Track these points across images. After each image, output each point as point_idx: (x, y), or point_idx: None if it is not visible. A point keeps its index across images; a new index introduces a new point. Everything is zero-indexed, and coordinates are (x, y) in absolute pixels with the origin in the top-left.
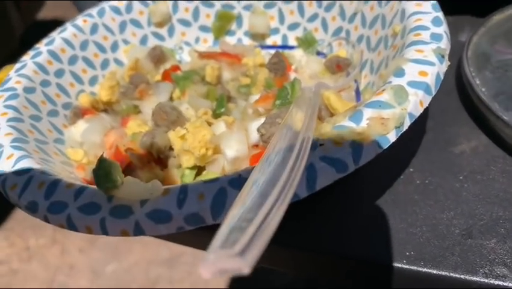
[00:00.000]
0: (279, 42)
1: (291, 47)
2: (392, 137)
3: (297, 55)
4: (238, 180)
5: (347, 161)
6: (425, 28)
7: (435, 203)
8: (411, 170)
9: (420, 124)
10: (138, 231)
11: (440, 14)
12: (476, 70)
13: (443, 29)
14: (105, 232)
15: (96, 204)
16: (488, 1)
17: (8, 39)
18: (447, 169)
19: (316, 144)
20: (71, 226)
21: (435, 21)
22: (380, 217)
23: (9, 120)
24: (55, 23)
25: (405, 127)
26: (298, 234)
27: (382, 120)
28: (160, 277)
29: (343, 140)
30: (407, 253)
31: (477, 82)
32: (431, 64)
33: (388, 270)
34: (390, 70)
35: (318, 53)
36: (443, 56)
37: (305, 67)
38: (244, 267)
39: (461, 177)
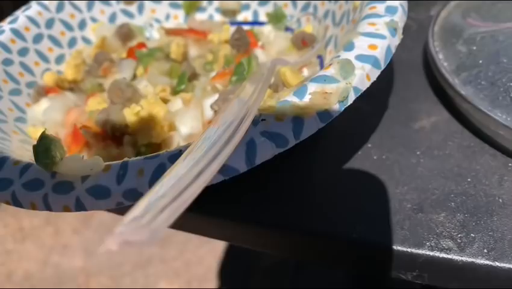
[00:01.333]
0: (250, 18)
1: (262, 23)
2: (335, 112)
3: (266, 31)
4: (178, 156)
5: (287, 136)
6: (381, 1)
7: (390, 179)
8: (369, 145)
9: (381, 100)
10: (79, 207)
11: None
12: (443, 45)
13: (398, 2)
14: (48, 208)
15: (39, 180)
16: None
17: None
18: (405, 145)
19: (258, 120)
20: (16, 203)
21: None
22: (335, 191)
23: None
24: None
25: (350, 101)
26: (252, 208)
27: (325, 94)
28: (153, 256)
29: (284, 115)
30: (356, 228)
31: (441, 57)
32: (382, 37)
33: (340, 242)
34: (341, 44)
35: (287, 29)
36: (395, 30)
37: (272, 43)
38: (149, 238)
39: (418, 153)
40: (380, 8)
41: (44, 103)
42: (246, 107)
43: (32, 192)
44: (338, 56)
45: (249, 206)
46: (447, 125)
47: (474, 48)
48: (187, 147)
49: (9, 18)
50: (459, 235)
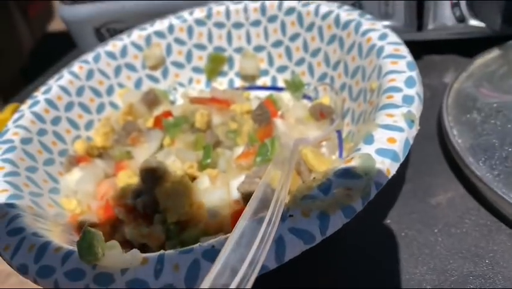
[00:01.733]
0: (268, 83)
1: (280, 89)
2: (358, 207)
3: (285, 98)
4: (211, 252)
5: (314, 233)
6: (398, 90)
7: (410, 257)
8: (388, 221)
9: (399, 174)
10: None
11: (414, 73)
12: (457, 115)
13: (415, 91)
14: None
15: (81, 270)
16: (471, 42)
17: (17, 54)
18: (423, 222)
19: (286, 215)
20: None
21: (409, 82)
22: (353, 270)
23: (6, 174)
24: (64, 37)
25: (371, 196)
26: None
27: (349, 191)
28: None
29: (310, 211)
30: None
31: (455, 132)
32: (400, 130)
33: None
34: (361, 135)
35: (305, 96)
36: (412, 121)
37: (291, 112)
38: None
39: (436, 230)
40: (397, 97)
41: (76, 173)
42: (275, 199)
43: (74, 282)
44: (359, 149)
45: None
46: (463, 201)
47: (488, 126)
48: (218, 242)
49: (43, 88)
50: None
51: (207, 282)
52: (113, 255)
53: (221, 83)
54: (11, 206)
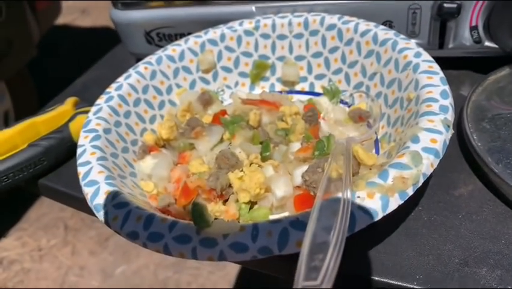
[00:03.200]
0: (306, 88)
1: (318, 94)
2: (410, 192)
3: (323, 102)
4: (296, 222)
5: (377, 211)
6: (435, 100)
7: (439, 237)
8: (420, 208)
9: None
10: (222, 258)
11: (447, 88)
12: (474, 123)
13: (449, 102)
14: (195, 257)
15: (187, 235)
16: (485, 60)
17: (26, 46)
18: (448, 209)
19: (354, 196)
20: (167, 252)
21: (443, 94)
22: (395, 246)
23: (98, 159)
24: (69, 29)
25: (420, 183)
26: None
27: (403, 178)
28: (168, 280)
29: (374, 194)
30: (417, 277)
31: (475, 137)
32: (440, 132)
33: None
34: (408, 136)
35: (341, 102)
36: (448, 126)
37: (331, 115)
38: None
39: (459, 216)
40: (435, 106)
41: (148, 160)
42: (344, 183)
43: (182, 245)
44: (408, 147)
45: None
46: (481, 194)
47: (503, 132)
48: (303, 215)
49: (114, 85)
50: (499, 287)
51: (306, 242)
52: (217, 222)
53: (263, 87)
54: (110, 184)
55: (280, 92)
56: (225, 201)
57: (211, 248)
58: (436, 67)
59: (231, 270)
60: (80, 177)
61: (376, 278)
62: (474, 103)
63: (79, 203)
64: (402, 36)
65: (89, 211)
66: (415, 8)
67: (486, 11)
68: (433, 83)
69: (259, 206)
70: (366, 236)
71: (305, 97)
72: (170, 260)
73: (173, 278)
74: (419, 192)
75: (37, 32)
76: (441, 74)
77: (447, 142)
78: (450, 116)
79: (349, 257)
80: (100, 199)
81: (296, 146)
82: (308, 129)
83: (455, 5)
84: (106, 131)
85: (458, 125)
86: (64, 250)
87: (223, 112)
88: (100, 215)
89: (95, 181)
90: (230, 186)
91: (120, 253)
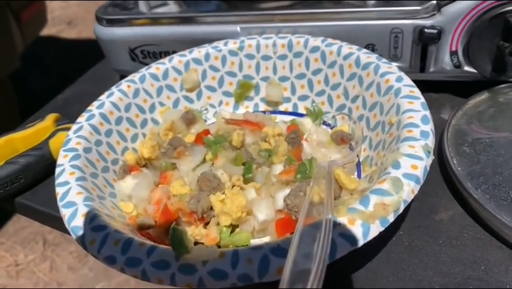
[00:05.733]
0: (290, 109)
1: (301, 115)
2: (391, 218)
3: (306, 123)
4: (277, 249)
5: (358, 237)
6: (416, 126)
7: (420, 262)
8: (401, 232)
9: None
10: (201, 285)
11: (428, 113)
12: (454, 148)
13: (429, 127)
14: (173, 284)
15: (166, 261)
16: (464, 84)
17: (9, 56)
18: (429, 234)
19: (336, 223)
20: (145, 278)
21: (424, 120)
22: (376, 272)
23: (77, 179)
24: (54, 41)
25: (401, 210)
26: None
27: (384, 205)
28: None
29: (355, 220)
30: None
31: (455, 161)
32: (420, 158)
33: None
34: (389, 161)
35: (324, 123)
36: (429, 152)
37: (314, 136)
38: None
39: (440, 241)
40: (416, 132)
41: (129, 180)
42: (326, 209)
43: (161, 271)
44: (389, 173)
45: None
46: (461, 218)
47: (482, 157)
48: (284, 241)
49: (96, 103)
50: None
51: (287, 270)
52: (196, 248)
53: (247, 107)
54: (88, 206)
55: (264, 112)
56: (206, 225)
57: (190, 275)
58: (417, 92)
59: None
60: (58, 197)
61: None
62: (455, 128)
63: (57, 222)
64: (384, 60)
65: (67, 231)
66: (397, 32)
67: (465, 37)
68: (415, 108)
69: (241, 230)
70: (347, 261)
71: (289, 118)
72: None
73: None
74: (400, 217)
75: (21, 43)
76: (422, 99)
77: (428, 168)
78: (430, 142)
79: (329, 283)
80: (78, 221)
81: (278, 168)
82: (290, 151)
83: (435, 31)
84: (87, 150)
85: (439, 149)
86: (42, 266)
87: (206, 132)
88: (78, 238)
89: (73, 202)
90: (211, 209)
91: (101, 268)
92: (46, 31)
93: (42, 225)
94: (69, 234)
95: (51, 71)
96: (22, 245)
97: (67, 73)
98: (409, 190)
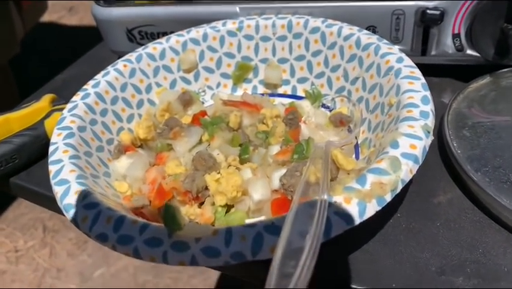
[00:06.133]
0: (289, 92)
1: (300, 98)
2: (388, 198)
3: (305, 106)
4: (271, 227)
5: (354, 216)
6: (416, 106)
7: (417, 245)
8: (398, 215)
9: None
10: (194, 262)
11: (428, 94)
12: (454, 131)
13: (429, 108)
14: (165, 261)
15: (158, 239)
16: (466, 68)
17: (10, 42)
18: (427, 217)
19: (331, 201)
20: (137, 255)
21: (424, 100)
22: (372, 254)
23: (71, 157)
24: (54, 27)
25: (398, 190)
26: None
27: (381, 184)
28: (147, 283)
29: (351, 199)
30: (393, 285)
31: (455, 144)
32: (419, 138)
33: None
34: (387, 140)
35: (323, 106)
36: (428, 132)
37: (312, 118)
38: None
39: (438, 224)
40: (416, 112)
41: (123, 160)
42: (321, 188)
43: (153, 249)
44: (387, 152)
45: None
46: (460, 202)
47: (482, 140)
48: (278, 219)
49: (92, 82)
50: None
51: (280, 248)
52: (189, 226)
53: (245, 89)
54: (81, 184)
55: (263, 94)
56: (201, 204)
57: (183, 253)
58: (418, 73)
59: (212, 274)
60: (51, 175)
61: (352, 286)
62: (455, 111)
63: (51, 202)
64: (385, 41)
65: (61, 211)
66: (398, 14)
67: (468, 19)
68: (415, 88)
69: (236, 210)
70: (343, 242)
71: (287, 100)
72: (150, 263)
73: (153, 282)
74: (398, 199)
75: (21, 29)
76: (423, 80)
77: (427, 148)
78: (430, 122)
79: (325, 264)
80: (70, 199)
81: (275, 148)
82: (288, 132)
83: (438, 12)
84: (81, 129)
85: (439, 132)
86: (42, 252)
87: (203, 113)
88: (70, 215)
89: (66, 180)
90: (206, 188)
91: (99, 255)
92: (46, 17)
93: (42, 211)
94: (62, 213)
95: (51, 58)
96: (22, 232)
97: (67, 60)
98: (407, 170)
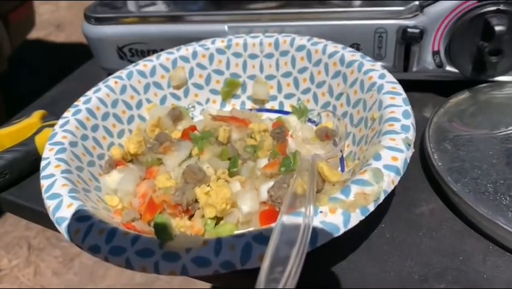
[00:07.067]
0: (276, 107)
1: (287, 113)
2: (371, 207)
3: (292, 120)
4: (260, 237)
5: (339, 226)
6: (397, 120)
7: (401, 254)
8: (383, 225)
9: None
10: (185, 272)
11: (409, 108)
12: (435, 144)
13: (410, 122)
14: (157, 271)
15: (150, 249)
16: (446, 84)
17: None
18: (410, 226)
19: (317, 211)
20: (129, 266)
21: (405, 114)
22: (357, 263)
23: (62, 172)
24: (41, 44)
25: (381, 200)
26: None
27: (365, 194)
28: None
29: (336, 209)
30: None
31: (436, 157)
32: (401, 151)
33: None
34: (370, 153)
35: (309, 120)
36: (409, 145)
37: (299, 132)
38: None
39: (420, 234)
40: (397, 126)
41: (114, 174)
42: (307, 199)
43: (145, 259)
44: (370, 164)
45: None
46: (441, 212)
47: (462, 153)
48: (266, 229)
49: (83, 98)
50: None
51: (268, 255)
52: (180, 236)
53: (234, 105)
54: (73, 198)
55: (251, 110)
56: (191, 217)
57: (174, 263)
58: (399, 88)
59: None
60: (43, 190)
61: None
62: (436, 125)
63: (42, 218)
64: (368, 58)
65: (52, 227)
66: (381, 32)
67: (447, 37)
68: (396, 103)
69: (225, 222)
70: (329, 252)
71: (275, 116)
72: (138, 280)
73: None
74: (382, 210)
75: (8, 46)
76: (404, 95)
77: (408, 160)
78: (411, 135)
79: (311, 273)
80: (63, 212)
81: (263, 162)
82: (275, 145)
83: (417, 30)
84: (73, 144)
85: (420, 145)
86: (26, 271)
87: (193, 128)
88: (62, 228)
89: (58, 194)
90: (196, 201)
91: (86, 273)
92: (34, 34)
93: (27, 229)
94: (54, 228)
95: (39, 74)
96: (6, 250)
97: (54, 76)
98: (389, 180)
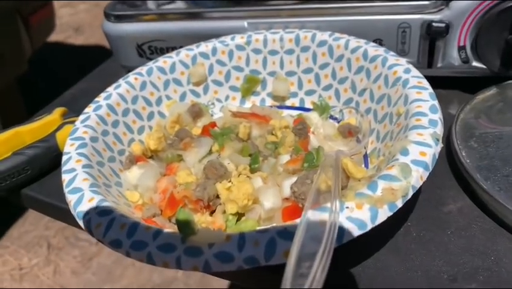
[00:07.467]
0: (296, 104)
1: (308, 110)
2: (399, 203)
3: (313, 117)
4: (284, 232)
5: (366, 222)
6: (424, 115)
7: (428, 253)
8: (409, 224)
9: None
10: (207, 268)
11: (436, 103)
12: (463, 141)
13: (438, 116)
14: (179, 266)
15: (172, 244)
16: (472, 80)
17: (18, 60)
18: (437, 225)
19: (343, 207)
20: (151, 261)
21: (432, 109)
22: (384, 262)
23: (84, 166)
24: (60, 47)
25: (409, 196)
26: None
27: (393, 190)
28: None
29: (363, 205)
30: None
31: (463, 154)
32: (429, 146)
33: None
34: (397, 148)
35: (331, 117)
36: (438, 140)
37: (321, 129)
38: None
39: (448, 232)
40: (424, 120)
41: (135, 170)
42: (333, 194)
43: (166, 254)
44: (397, 159)
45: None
46: (470, 210)
47: (491, 150)
48: (291, 225)
49: (103, 94)
50: None
51: (294, 250)
52: (202, 231)
53: (254, 102)
54: (95, 192)
55: (271, 107)
56: (212, 213)
57: (196, 258)
58: (425, 83)
59: None
60: (64, 184)
61: None
62: (463, 121)
63: (62, 213)
64: (392, 53)
65: (73, 222)
66: (404, 27)
67: (473, 32)
68: (423, 98)
69: (247, 218)
70: (355, 250)
71: (295, 113)
72: (155, 281)
73: None
74: (408, 208)
75: (29, 48)
76: (430, 89)
77: (437, 155)
78: (439, 130)
79: (337, 271)
80: (84, 206)
81: (285, 158)
82: (297, 141)
83: (443, 25)
84: (93, 139)
85: (447, 143)
86: (46, 270)
87: (213, 124)
88: (83, 222)
89: (79, 188)
90: (217, 197)
91: (104, 273)
92: (53, 37)
93: (46, 229)
94: (75, 223)
95: (58, 76)
96: (26, 249)
97: (73, 78)
98: (417, 176)
